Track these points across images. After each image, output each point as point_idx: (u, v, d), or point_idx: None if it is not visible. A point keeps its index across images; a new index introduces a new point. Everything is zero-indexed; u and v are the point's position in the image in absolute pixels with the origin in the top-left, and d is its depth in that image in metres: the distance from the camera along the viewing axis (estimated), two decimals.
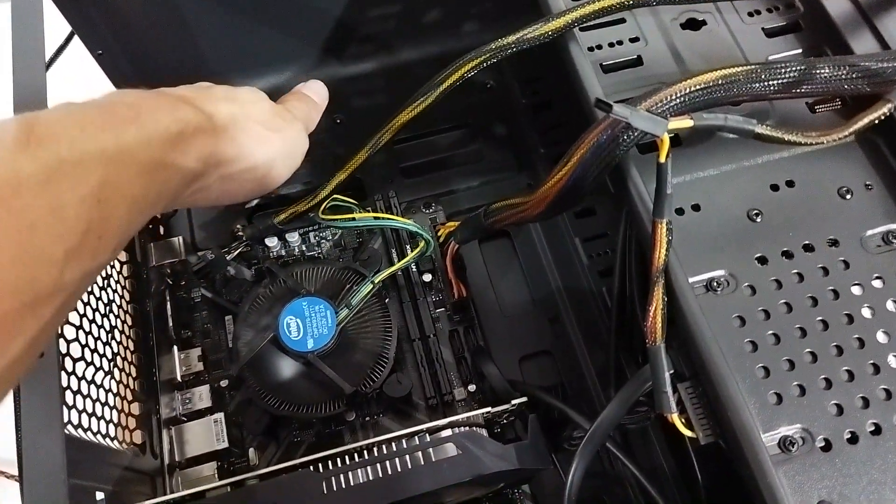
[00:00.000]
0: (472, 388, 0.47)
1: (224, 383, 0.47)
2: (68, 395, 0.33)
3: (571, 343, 0.51)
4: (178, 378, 0.47)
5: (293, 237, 0.52)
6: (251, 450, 0.45)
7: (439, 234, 0.49)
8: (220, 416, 0.44)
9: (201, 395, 0.46)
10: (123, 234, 0.27)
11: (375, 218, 0.44)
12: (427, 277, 0.51)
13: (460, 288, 0.49)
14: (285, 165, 0.39)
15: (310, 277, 0.48)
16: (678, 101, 0.33)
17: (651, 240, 0.32)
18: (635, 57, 0.39)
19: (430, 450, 0.34)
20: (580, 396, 0.48)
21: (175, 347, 0.47)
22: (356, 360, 0.45)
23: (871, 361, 0.32)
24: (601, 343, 0.50)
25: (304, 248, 0.52)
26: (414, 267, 0.50)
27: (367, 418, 0.46)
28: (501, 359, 0.49)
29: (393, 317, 0.47)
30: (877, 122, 0.32)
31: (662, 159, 0.30)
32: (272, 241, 0.52)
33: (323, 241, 0.53)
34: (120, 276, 0.44)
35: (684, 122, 0.30)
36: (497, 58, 0.40)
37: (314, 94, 0.44)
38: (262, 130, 0.36)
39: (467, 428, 0.36)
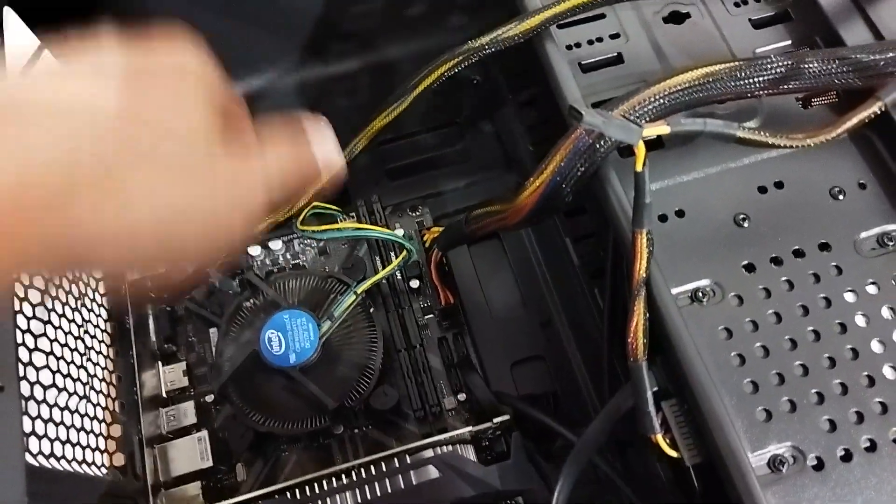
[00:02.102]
0: (461, 396, 0.46)
1: (209, 398, 0.46)
2: (37, 425, 0.32)
3: (564, 347, 0.49)
4: (163, 394, 0.46)
5: (276, 245, 0.51)
6: (239, 465, 0.44)
7: (424, 239, 0.48)
8: (203, 434, 0.44)
9: (186, 412, 0.45)
10: None
11: (356, 229, 0.43)
12: (415, 284, 0.50)
13: (447, 294, 0.48)
14: (197, 231, 0.23)
15: (293, 288, 0.47)
16: (657, 103, 0.31)
17: (630, 251, 0.30)
18: (615, 54, 0.38)
19: (411, 473, 0.33)
20: (574, 402, 0.47)
21: (159, 362, 0.47)
22: (341, 374, 0.44)
23: (866, 373, 0.30)
24: (595, 347, 0.48)
25: (288, 257, 0.51)
26: (399, 275, 0.48)
27: (356, 430, 0.46)
28: (492, 365, 0.48)
29: (379, 327, 0.46)
30: (867, 120, 0.30)
31: (639, 168, 0.29)
32: (255, 251, 0.51)
33: (307, 248, 0.52)
34: (96, 293, 0.43)
35: (660, 129, 0.28)
36: (473, 59, 0.39)
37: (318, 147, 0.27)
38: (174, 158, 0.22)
39: (450, 447, 0.35)
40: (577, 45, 0.38)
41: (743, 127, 0.29)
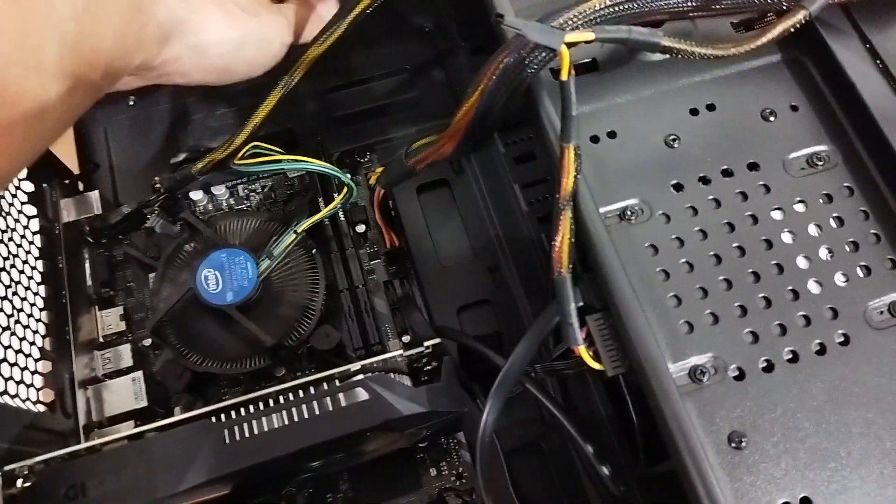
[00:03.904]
0: (406, 339, 0.46)
1: (147, 342, 0.45)
2: None
3: (511, 292, 0.49)
4: (100, 338, 0.45)
5: (219, 190, 0.50)
6: (177, 409, 0.43)
7: (369, 180, 0.47)
8: (139, 374, 0.43)
9: (122, 355, 0.44)
10: (110, 60, 0.31)
11: (290, 161, 0.42)
12: (360, 228, 0.49)
13: (391, 236, 0.47)
14: (258, 50, 0.39)
15: (234, 230, 0.46)
16: (585, 21, 0.31)
17: (558, 165, 0.30)
18: None
19: (340, 395, 0.33)
20: (517, 341, 0.46)
21: (95, 307, 0.46)
22: (281, 314, 0.44)
23: (790, 287, 0.30)
24: (541, 291, 0.48)
25: (231, 202, 0.50)
26: (343, 216, 0.48)
27: (298, 374, 0.45)
28: (439, 309, 0.48)
29: (322, 268, 0.45)
30: (792, 29, 0.30)
31: (564, 76, 0.28)
32: (197, 195, 0.50)
33: (252, 194, 0.51)
34: (27, 230, 0.41)
35: (584, 35, 0.28)
36: None
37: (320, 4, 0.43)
38: (235, 8, 0.38)
39: (384, 375, 0.35)
40: None
41: (668, 36, 0.29)
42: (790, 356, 0.29)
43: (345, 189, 0.44)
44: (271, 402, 0.33)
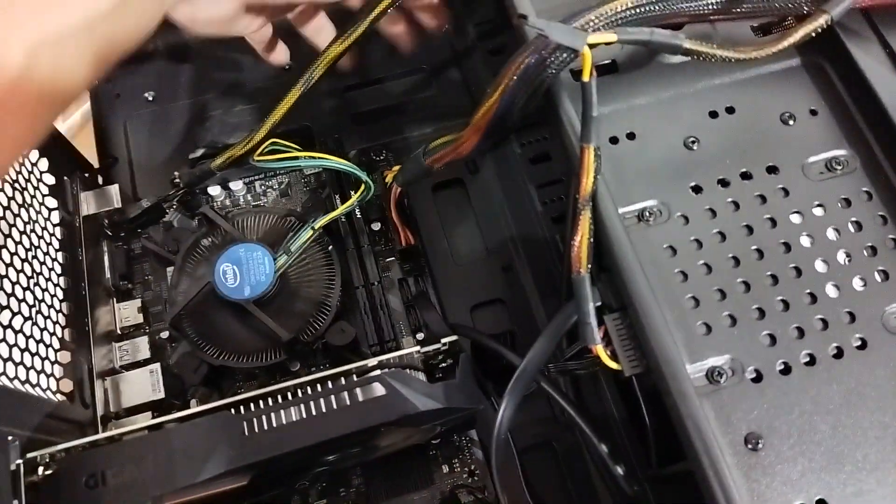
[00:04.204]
0: (420, 336, 0.46)
1: (164, 335, 0.46)
2: None
3: (524, 291, 0.49)
4: (118, 330, 0.46)
5: (237, 186, 0.50)
6: (193, 402, 0.44)
7: (386, 178, 0.48)
8: (156, 366, 0.43)
9: (139, 347, 0.45)
10: (130, 44, 0.32)
11: (308, 157, 0.43)
12: (376, 226, 0.49)
13: (407, 234, 0.47)
14: None
15: (251, 226, 0.47)
16: (606, 22, 0.31)
17: (578, 166, 0.30)
18: None
19: (357, 390, 0.33)
20: (531, 340, 0.46)
21: (113, 299, 0.46)
22: (297, 309, 0.44)
23: (808, 291, 0.30)
24: (555, 291, 0.48)
25: (249, 198, 0.51)
26: (359, 214, 0.48)
27: (313, 368, 0.45)
28: (453, 307, 0.48)
29: (338, 265, 0.45)
30: (814, 34, 0.30)
31: (586, 77, 0.28)
32: (215, 190, 0.50)
33: (269, 190, 0.51)
34: (48, 222, 0.42)
35: (606, 37, 0.28)
36: None
37: None
38: None
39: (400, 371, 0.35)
40: None
41: (690, 39, 0.29)
42: (807, 359, 0.29)
43: (362, 186, 0.44)
44: (289, 396, 0.33)
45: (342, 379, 0.34)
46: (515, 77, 0.32)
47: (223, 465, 0.31)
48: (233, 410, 0.33)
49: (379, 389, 0.33)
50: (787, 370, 0.29)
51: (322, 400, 0.33)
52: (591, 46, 0.28)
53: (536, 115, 0.37)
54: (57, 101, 0.29)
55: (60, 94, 0.29)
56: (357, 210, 0.48)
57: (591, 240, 0.30)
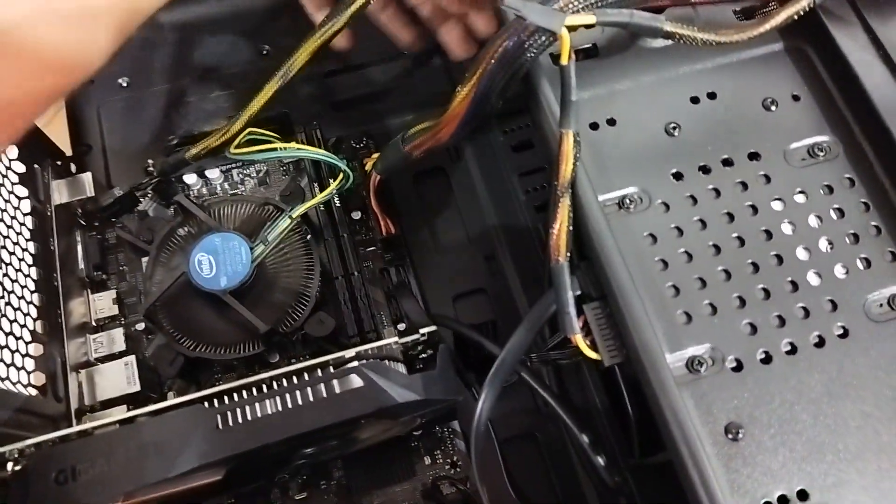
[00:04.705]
0: (401, 326, 0.45)
1: (140, 327, 0.45)
2: None
3: (507, 281, 0.49)
4: (92, 322, 0.45)
5: (214, 174, 0.49)
6: (170, 394, 0.43)
7: (365, 166, 0.47)
8: (131, 359, 0.42)
9: (115, 339, 0.44)
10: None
11: (283, 149, 0.42)
12: (356, 215, 0.49)
13: (388, 223, 0.47)
14: None
15: (228, 214, 0.46)
16: (586, 4, 0.30)
17: (557, 152, 0.30)
18: None
19: (334, 382, 0.32)
20: (512, 329, 0.46)
21: (87, 290, 0.45)
22: (275, 299, 0.43)
23: (790, 279, 0.30)
24: (538, 280, 0.48)
25: (226, 187, 0.50)
26: (338, 202, 0.47)
27: (293, 360, 0.45)
28: (435, 297, 0.47)
29: (317, 255, 0.45)
30: (796, 17, 0.30)
31: (564, 60, 0.28)
32: (191, 179, 0.49)
33: (247, 178, 0.50)
34: (17, 211, 0.41)
35: (586, 18, 0.27)
36: None
37: None
38: None
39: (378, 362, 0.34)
40: None
41: (671, 21, 0.28)
42: (789, 348, 0.29)
43: (340, 175, 0.44)
44: (265, 388, 0.33)
45: (319, 371, 0.33)
46: (493, 61, 0.31)
47: (196, 460, 0.30)
48: (207, 403, 0.32)
49: (356, 381, 0.32)
50: (767, 359, 0.29)
51: (298, 392, 0.32)
52: (570, 29, 0.27)
53: (519, 102, 0.36)
54: (76, 72, 0.30)
55: (81, 66, 0.30)
56: (336, 198, 0.47)
57: (571, 227, 0.30)
